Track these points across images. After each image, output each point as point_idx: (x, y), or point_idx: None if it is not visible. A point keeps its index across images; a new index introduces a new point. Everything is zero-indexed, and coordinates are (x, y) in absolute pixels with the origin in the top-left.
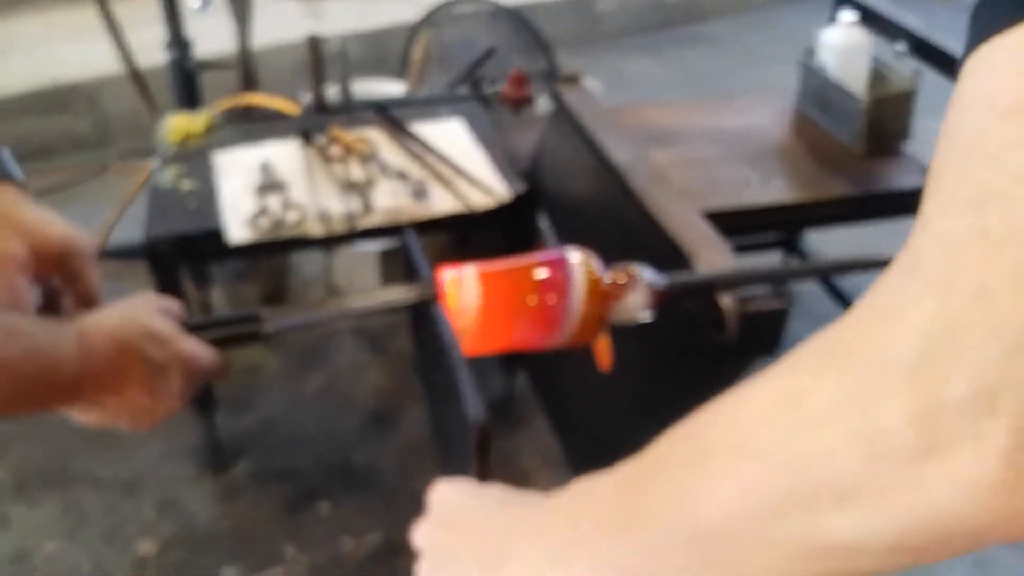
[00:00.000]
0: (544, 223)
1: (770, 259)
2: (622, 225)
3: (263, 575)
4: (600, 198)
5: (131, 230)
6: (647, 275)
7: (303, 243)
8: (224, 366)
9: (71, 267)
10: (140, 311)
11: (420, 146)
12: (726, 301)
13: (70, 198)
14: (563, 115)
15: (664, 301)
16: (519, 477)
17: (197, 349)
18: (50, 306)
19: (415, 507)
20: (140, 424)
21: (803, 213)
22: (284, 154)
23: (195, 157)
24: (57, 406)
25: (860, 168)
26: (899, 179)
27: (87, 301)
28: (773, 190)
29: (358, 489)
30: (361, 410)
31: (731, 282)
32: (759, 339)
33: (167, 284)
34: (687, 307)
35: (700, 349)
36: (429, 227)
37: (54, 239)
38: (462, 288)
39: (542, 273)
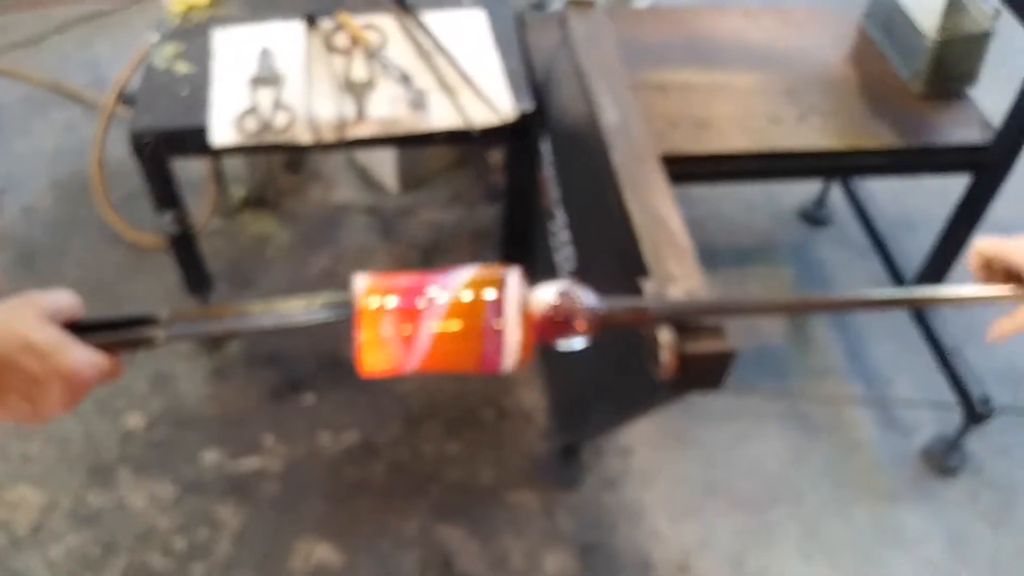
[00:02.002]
0: (546, 148)
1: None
2: (601, 195)
3: (241, 462)
4: (588, 154)
5: None
6: (586, 300)
7: (290, 148)
8: (115, 370)
9: None
10: (20, 319)
11: (431, 41)
12: (664, 337)
13: (104, 27)
14: (567, 46)
15: (603, 328)
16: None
17: (81, 360)
18: None
19: (398, 410)
20: (25, 423)
21: (834, 162)
22: (286, 40)
23: (195, 33)
24: None
25: (912, 112)
26: (953, 131)
27: None
28: (806, 131)
29: (344, 384)
30: None
31: (676, 313)
32: (698, 382)
33: (155, 176)
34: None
35: (641, 370)
36: (424, 140)
37: None
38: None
39: (476, 297)
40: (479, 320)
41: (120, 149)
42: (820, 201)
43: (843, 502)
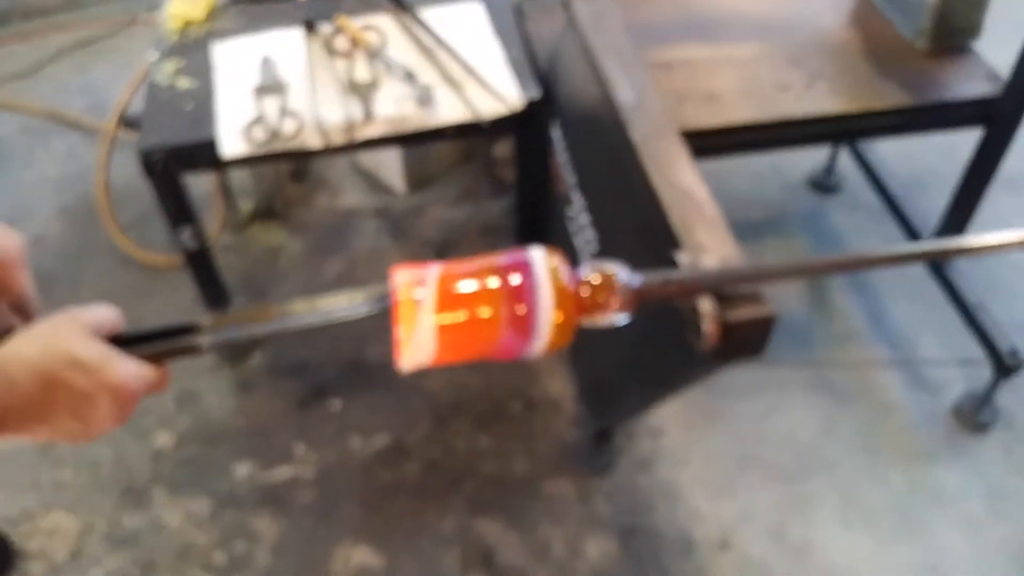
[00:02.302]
0: (556, 134)
1: (779, 250)
2: (623, 174)
3: (273, 472)
4: (604, 135)
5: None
6: (622, 276)
7: (300, 154)
8: (163, 381)
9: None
10: (64, 335)
11: (431, 38)
12: (705, 307)
13: (99, 52)
14: (573, 29)
15: (641, 303)
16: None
17: (128, 373)
18: None
19: (426, 408)
20: (76, 442)
21: (847, 125)
22: (286, 47)
23: (194, 49)
24: None
25: (919, 70)
26: (961, 86)
27: (19, 312)
28: (816, 96)
29: (370, 387)
30: None
31: (714, 283)
32: (741, 350)
33: (168, 193)
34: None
35: (680, 343)
36: (433, 136)
37: None
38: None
39: (511, 280)
40: (508, 306)
41: (123, 172)
42: (829, 168)
43: (878, 466)
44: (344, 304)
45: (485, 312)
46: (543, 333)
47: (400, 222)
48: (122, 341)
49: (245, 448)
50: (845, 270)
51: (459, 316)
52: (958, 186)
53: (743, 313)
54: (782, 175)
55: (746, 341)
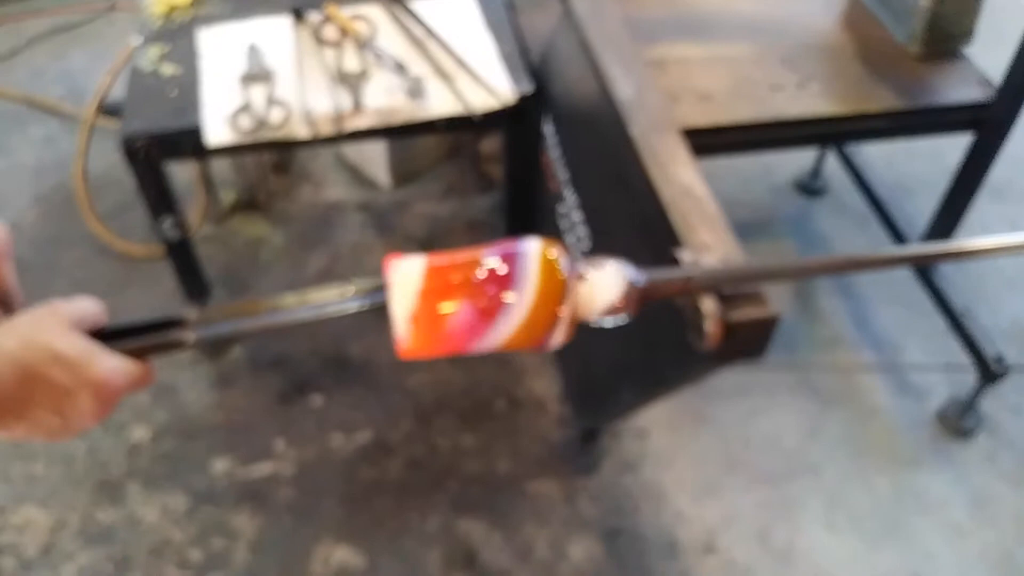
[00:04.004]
0: (549, 130)
1: (779, 248)
2: (620, 170)
3: (252, 468)
4: (601, 131)
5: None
6: (627, 273)
7: (287, 144)
8: (146, 377)
9: None
10: (44, 329)
11: (422, 29)
12: (708, 306)
13: (78, 38)
14: (570, 22)
15: (645, 302)
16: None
17: (110, 369)
18: None
19: (409, 405)
20: (55, 439)
21: (839, 127)
22: (273, 35)
23: (179, 34)
24: None
25: (912, 74)
26: (953, 91)
27: (1, 304)
28: (808, 98)
29: (352, 383)
30: None
31: (719, 281)
32: (742, 351)
33: (149, 181)
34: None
35: (678, 343)
36: (423, 129)
37: None
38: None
39: (497, 269)
40: (485, 296)
41: (102, 161)
42: (815, 171)
43: (863, 470)
44: (335, 298)
45: (483, 303)
46: (560, 327)
47: (384, 217)
48: (105, 335)
49: (223, 443)
50: (849, 270)
51: (460, 304)
52: (946, 191)
53: (746, 313)
54: (770, 177)
55: (749, 341)
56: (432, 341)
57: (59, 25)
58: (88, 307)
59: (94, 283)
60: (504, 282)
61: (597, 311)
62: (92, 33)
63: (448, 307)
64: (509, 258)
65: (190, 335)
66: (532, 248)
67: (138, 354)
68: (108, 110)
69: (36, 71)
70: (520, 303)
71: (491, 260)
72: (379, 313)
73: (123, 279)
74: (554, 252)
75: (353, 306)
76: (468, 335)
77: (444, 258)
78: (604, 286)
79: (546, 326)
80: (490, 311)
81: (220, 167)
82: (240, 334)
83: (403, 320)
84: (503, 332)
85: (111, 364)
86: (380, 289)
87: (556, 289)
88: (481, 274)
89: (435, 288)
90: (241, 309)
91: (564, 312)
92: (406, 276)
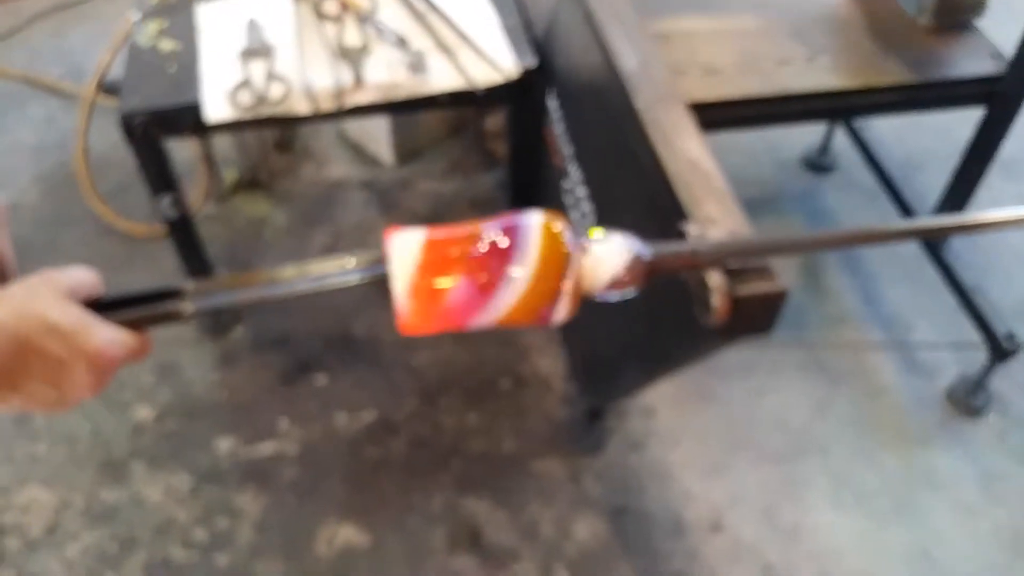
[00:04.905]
0: (553, 104)
1: (786, 224)
2: (625, 144)
3: (256, 448)
4: (606, 104)
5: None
6: (634, 247)
7: (287, 120)
8: (143, 348)
9: None
10: (39, 298)
11: (423, 2)
12: (715, 281)
13: (78, 16)
14: None
15: (651, 276)
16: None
17: (106, 339)
18: None
19: (413, 384)
20: (51, 411)
21: (849, 101)
22: (273, 10)
23: (178, 9)
24: None
25: (922, 47)
26: (964, 64)
27: None
28: (817, 72)
29: (356, 362)
30: None
31: (727, 255)
32: (749, 326)
33: (149, 159)
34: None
35: (684, 319)
36: (426, 104)
37: None
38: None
39: (498, 242)
40: (486, 270)
41: (103, 139)
42: (823, 147)
43: (871, 449)
44: (335, 270)
45: (483, 277)
46: (563, 301)
47: (387, 194)
48: (101, 306)
49: (227, 423)
50: (859, 243)
51: (457, 280)
52: (957, 167)
53: (753, 287)
54: (777, 153)
55: (755, 317)
56: (431, 316)
57: (58, 3)
58: (83, 276)
59: (95, 262)
60: (505, 255)
61: (601, 285)
62: (91, 11)
63: (445, 282)
64: (510, 231)
65: (188, 306)
66: (534, 220)
67: (135, 325)
68: (108, 88)
69: (35, 50)
70: (521, 276)
71: (492, 233)
72: (382, 292)
73: (125, 259)
74: (557, 224)
75: (353, 278)
76: (467, 311)
77: (444, 231)
78: (609, 259)
79: (548, 300)
80: (490, 285)
81: (222, 146)
82: (239, 305)
83: (403, 294)
84: (504, 305)
85: (107, 335)
86: (380, 262)
87: (559, 262)
88: (482, 247)
89: (433, 262)
90: (240, 281)
91: (567, 286)
92: (405, 248)
